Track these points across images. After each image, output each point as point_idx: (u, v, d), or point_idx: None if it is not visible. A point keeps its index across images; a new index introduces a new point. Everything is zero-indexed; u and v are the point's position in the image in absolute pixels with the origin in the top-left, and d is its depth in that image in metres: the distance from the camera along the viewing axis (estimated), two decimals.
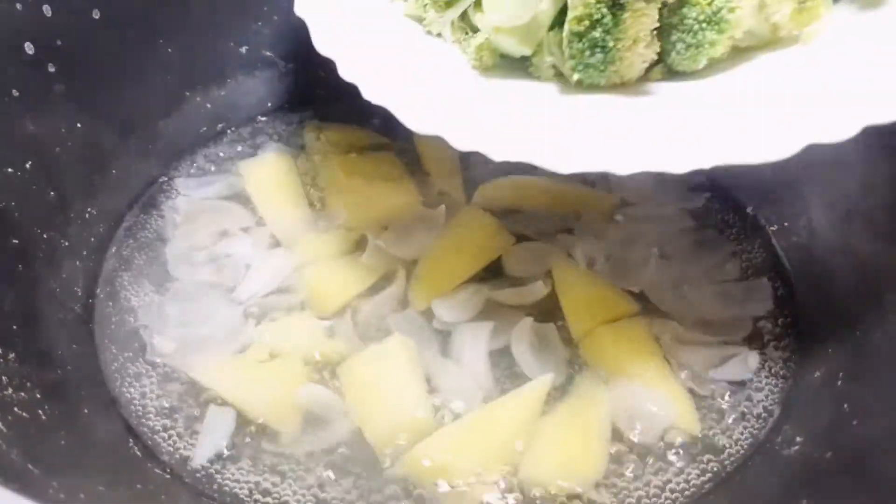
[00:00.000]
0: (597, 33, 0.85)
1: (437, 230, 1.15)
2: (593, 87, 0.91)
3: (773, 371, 1.02)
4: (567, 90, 0.93)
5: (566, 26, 0.87)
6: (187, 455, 0.96)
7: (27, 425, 0.83)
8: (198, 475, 0.94)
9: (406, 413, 0.96)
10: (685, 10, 0.85)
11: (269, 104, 1.36)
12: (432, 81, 0.95)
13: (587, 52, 0.87)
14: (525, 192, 1.19)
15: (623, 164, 0.80)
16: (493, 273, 1.12)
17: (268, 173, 1.25)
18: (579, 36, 0.86)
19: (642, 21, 0.85)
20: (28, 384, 0.88)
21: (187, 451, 0.97)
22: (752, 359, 1.02)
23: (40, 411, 0.87)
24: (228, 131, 1.33)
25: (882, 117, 0.75)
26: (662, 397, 0.97)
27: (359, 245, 1.15)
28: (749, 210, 1.18)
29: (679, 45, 0.88)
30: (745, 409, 0.99)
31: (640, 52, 0.88)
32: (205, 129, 1.32)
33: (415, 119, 0.87)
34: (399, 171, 1.23)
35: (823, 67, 0.84)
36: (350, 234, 1.16)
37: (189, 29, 1.23)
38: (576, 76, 0.90)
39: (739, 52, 0.90)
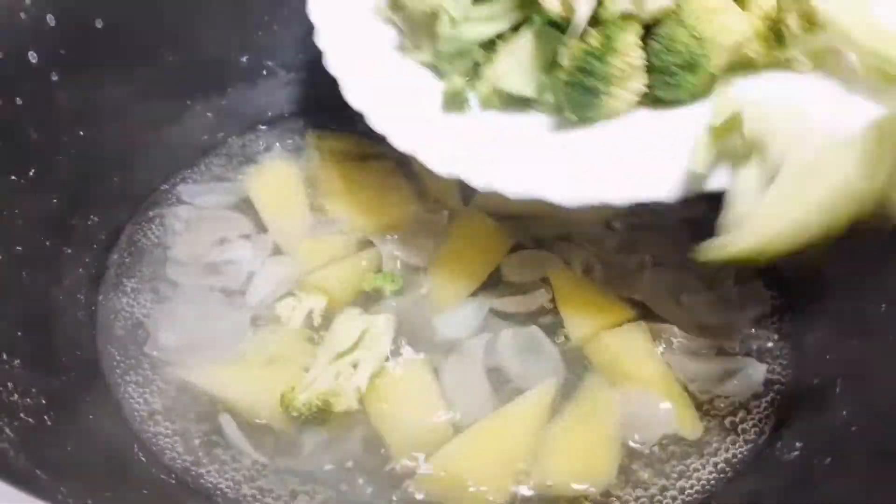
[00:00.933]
0: (588, 81, 0.93)
1: (440, 236, 1.16)
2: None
3: (771, 377, 1.03)
4: (567, 123, 1.00)
5: (559, 76, 0.96)
6: (191, 460, 0.97)
7: (34, 431, 0.84)
8: (202, 481, 0.95)
9: (425, 424, 0.97)
10: (664, 56, 0.93)
11: (270, 113, 1.37)
12: (449, 126, 1.04)
13: (581, 97, 0.95)
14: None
15: (618, 195, 0.91)
16: (491, 280, 1.13)
17: (270, 181, 1.26)
18: (572, 85, 0.95)
19: (629, 62, 0.93)
20: (33, 390, 0.88)
21: (191, 456, 0.97)
22: (757, 374, 1.03)
23: (46, 417, 0.87)
24: (229, 140, 1.33)
25: None
26: (663, 402, 0.98)
27: (360, 251, 1.17)
28: None
29: (661, 84, 0.95)
30: (745, 415, 1.00)
31: (629, 88, 0.95)
32: (206, 137, 1.32)
33: (437, 164, 0.99)
34: (398, 179, 1.24)
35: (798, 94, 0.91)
36: (352, 240, 1.17)
37: (190, 38, 1.24)
38: (572, 117, 0.98)
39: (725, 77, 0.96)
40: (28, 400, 0.87)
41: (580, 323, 1.07)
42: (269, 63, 1.34)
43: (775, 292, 1.11)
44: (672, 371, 1.02)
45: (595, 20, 0.93)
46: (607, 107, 0.96)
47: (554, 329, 1.08)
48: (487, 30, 1.03)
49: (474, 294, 1.11)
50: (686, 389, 1.01)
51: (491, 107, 1.05)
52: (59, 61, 1.06)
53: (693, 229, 1.17)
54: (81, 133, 1.12)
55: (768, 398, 1.01)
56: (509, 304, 1.10)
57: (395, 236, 1.17)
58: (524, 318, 1.09)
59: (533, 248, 1.16)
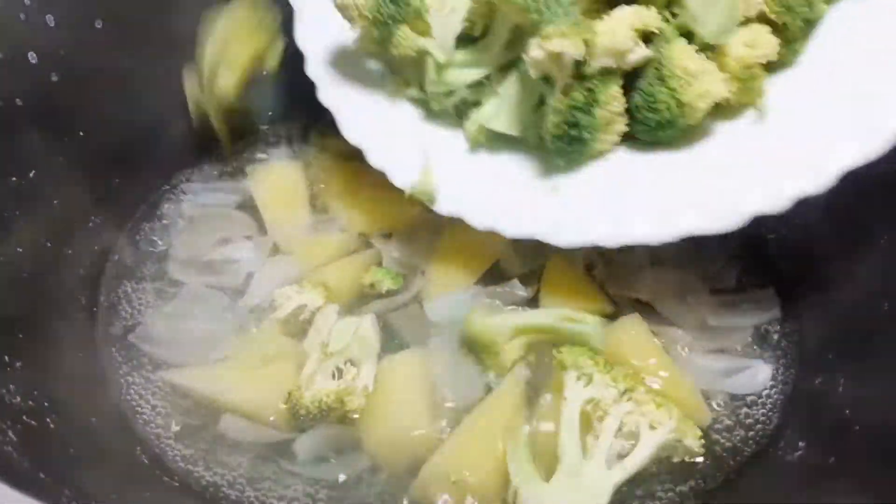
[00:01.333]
0: (574, 133, 0.97)
1: (439, 235, 1.16)
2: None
3: (774, 377, 1.03)
4: (554, 165, 1.04)
5: (547, 127, 0.98)
6: (194, 462, 0.97)
7: (36, 434, 0.84)
8: (204, 482, 0.95)
9: (415, 430, 0.96)
10: (645, 112, 0.97)
11: (272, 113, 1.36)
12: (441, 163, 1.07)
13: (568, 147, 0.99)
14: None
15: (607, 238, 0.97)
16: (489, 273, 1.13)
17: (273, 180, 1.26)
18: (559, 137, 0.98)
19: (612, 110, 0.97)
20: (35, 392, 0.88)
21: (194, 458, 0.97)
22: (763, 373, 1.03)
23: (48, 420, 0.87)
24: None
25: (812, 189, 0.88)
26: (673, 392, 0.98)
27: (360, 250, 1.17)
28: None
29: (641, 131, 1.00)
30: (747, 415, 1.00)
31: (613, 132, 1.00)
32: (208, 138, 1.31)
33: (439, 203, 1.05)
34: None
35: (766, 139, 0.95)
36: (352, 239, 1.18)
37: (191, 38, 1.23)
38: (560, 162, 1.02)
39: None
40: (30, 402, 0.87)
41: (552, 300, 1.08)
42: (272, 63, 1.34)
43: (778, 293, 1.11)
44: (675, 362, 1.02)
45: (578, 73, 0.95)
46: (592, 150, 1.00)
47: None
48: (473, 74, 1.05)
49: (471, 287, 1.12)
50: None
51: (479, 144, 1.08)
52: (59, 62, 1.06)
53: None
54: (81, 133, 1.12)
55: (771, 398, 1.01)
56: (502, 295, 1.10)
57: (395, 235, 1.17)
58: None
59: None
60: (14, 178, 1.01)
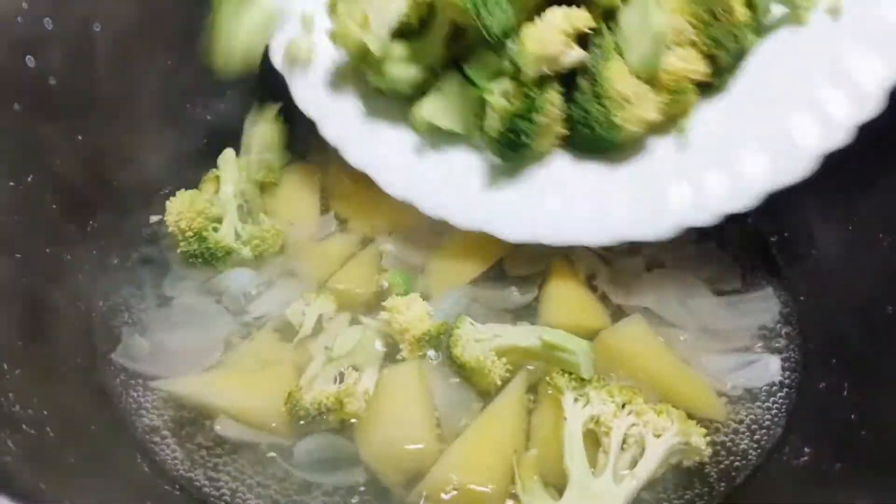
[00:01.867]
0: (515, 137, 1.00)
1: (444, 233, 1.14)
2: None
3: (778, 382, 1.03)
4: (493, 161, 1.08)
5: (487, 131, 1.01)
6: (194, 470, 0.96)
7: (36, 442, 0.83)
8: (204, 490, 0.94)
9: (410, 443, 0.95)
10: (580, 127, 1.01)
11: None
12: (394, 149, 1.11)
13: (509, 151, 1.03)
14: None
15: (553, 236, 1.04)
16: (493, 275, 1.13)
17: (279, 186, 1.25)
18: (501, 143, 1.01)
19: (551, 111, 0.99)
20: (35, 400, 0.88)
21: (194, 466, 0.96)
22: (774, 364, 1.04)
23: (48, 428, 0.86)
24: (230, 143, 1.32)
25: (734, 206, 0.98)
26: (684, 388, 0.99)
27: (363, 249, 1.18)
28: (749, 221, 1.19)
29: (577, 140, 1.04)
30: (752, 421, 0.99)
31: (551, 134, 1.03)
32: (206, 141, 1.30)
33: (390, 186, 1.10)
34: None
35: (695, 155, 1.00)
36: (356, 240, 1.18)
37: (189, 41, 1.22)
38: (499, 161, 1.06)
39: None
40: (30, 411, 0.86)
41: (550, 311, 1.08)
42: (268, 65, 1.33)
43: (781, 297, 1.11)
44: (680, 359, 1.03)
45: (516, 78, 0.97)
46: (532, 153, 1.04)
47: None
48: (411, 72, 1.06)
49: (464, 287, 1.11)
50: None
51: (426, 135, 1.10)
52: (57, 66, 1.05)
53: (698, 233, 1.17)
54: (80, 138, 1.11)
55: (776, 403, 1.01)
56: (498, 299, 1.10)
57: (399, 235, 1.17)
58: (518, 314, 1.09)
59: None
60: (12, 183, 1.00)
